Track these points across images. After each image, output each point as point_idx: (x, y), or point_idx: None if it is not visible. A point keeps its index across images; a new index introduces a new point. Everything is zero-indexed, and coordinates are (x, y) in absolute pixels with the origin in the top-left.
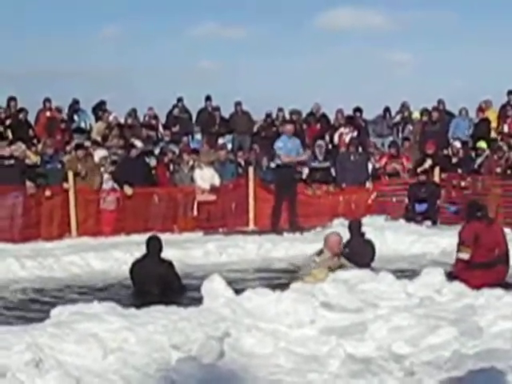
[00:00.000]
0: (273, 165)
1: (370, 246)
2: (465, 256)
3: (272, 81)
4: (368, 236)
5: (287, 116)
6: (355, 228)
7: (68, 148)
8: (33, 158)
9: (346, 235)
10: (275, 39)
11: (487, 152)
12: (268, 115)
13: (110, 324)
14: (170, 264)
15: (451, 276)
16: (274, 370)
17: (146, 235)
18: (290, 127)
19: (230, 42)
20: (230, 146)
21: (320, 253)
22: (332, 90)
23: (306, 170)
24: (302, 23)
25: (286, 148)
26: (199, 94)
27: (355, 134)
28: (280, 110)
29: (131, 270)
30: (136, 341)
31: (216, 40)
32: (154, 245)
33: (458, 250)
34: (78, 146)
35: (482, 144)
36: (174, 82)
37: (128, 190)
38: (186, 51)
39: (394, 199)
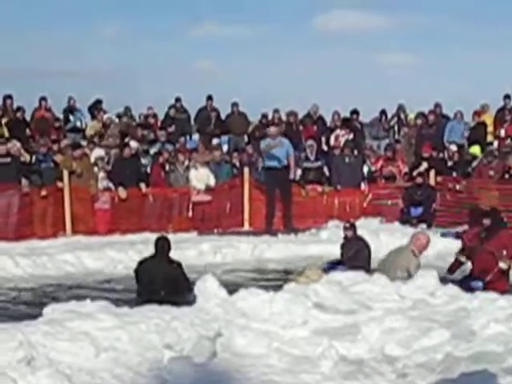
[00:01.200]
0: (261, 165)
1: (367, 248)
2: (504, 266)
3: (269, 82)
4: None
5: (283, 117)
6: (352, 230)
7: (57, 147)
8: (26, 157)
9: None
10: (273, 40)
11: (480, 157)
12: (264, 116)
13: (103, 322)
14: (178, 265)
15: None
16: (266, 371)
17: (141, 235)
18: (273, 129)
19: (228, 42)
20: (226, 147)
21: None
22: (329, 91)
23: (298, 171)
24: (301, 24)
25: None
26: (197, 94)
27: (351, 136)
28: (276, 111)
29: (137, 269)
30: (128, 340)
31: (214, 40)
32: (163, 245)
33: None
34: (75, 146)
35: (475, 149)
36: (172, 81)
37: (122, 193)
38: (184, 51)
39: (389, 202)
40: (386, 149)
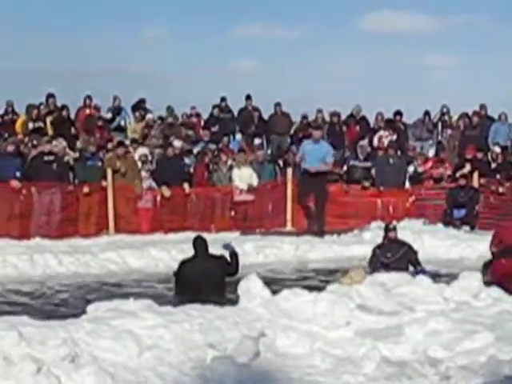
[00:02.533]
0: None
1: (412, 250)
2: None
3: (313, 82)
4: (406, 239)
5: (327, 118)
6: (394, 233)
7: (110, 146)
8: (71, 155)
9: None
10: (318, 40)
11: None
12: (304, 117)
13: (146, 321)
14: (221, 258)
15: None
16: (308, 371)
17: (183, 234)
18: (317, 133)
19: (273, 42)
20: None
21: None
22: (372, 92)
23: (344, 168)
24: (345, 25)
25: (312, 154)
26: (240, 94)
27: (394, 137)
28: (319, 111)
29: (178, 270)
30: (172, 338)
31: (258, 40)
32: (201, 244)
33: None
34: (119, 144)
35: None
36: (215, 81)
37: (166, 192)
38: (227, 51)
39: (433, 203)
40: (436, 150)
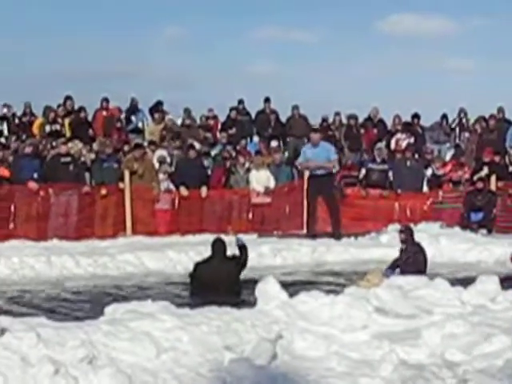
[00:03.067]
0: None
1: (423, 254)
2: None
3: (332, 85)
4: (423, 243)
5: (344, 120)
6: (408, 236)
7: (127, 148)
8: (88, 156)
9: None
10: (337, 43)
11: None
12: (324, 119)
13: (164, 323)
14: (234, 257)
15: None
16: (325, 374)
17: (201, 236)
18: (315, 136)
19: (291, 45)
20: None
21: None
22: (390, 95)
23: (362, 171)
24: (364, 28)
25: (314, 158)
26: (258, 97)
27: (412, 140)
28: (337, 114)
29: (194, 271)
30: (189, 340)
31: (276, 43)
32: (219, 246)
33: None
34: (137, 146)
35: None
36: (233, 83)
37: (184, 191)
38: (246, 53)
39: (451, 207)
40: (455, 153)
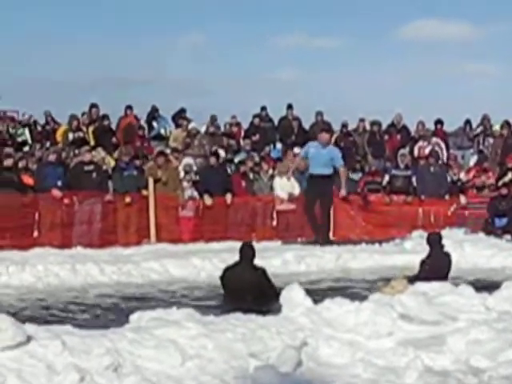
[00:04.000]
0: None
1: (448, 259)
2: None
3: (354, 91)
4: (447, 249)
5: (367, 126)
6: (435, 241)
7: (149, 155)
8: (111, 164)
9: (424, 248)
10: (359, 49)
11: None
12: (344, 125)
13: (189, 330)
14: (263, 271)
15: None
16: (351, 381)
17: (225, 243)
18: (325, 136)
19: (314, 51)
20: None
21: None
22: (413, 100)
23: (386, 178)
24: (386, 34)
25: (316, 158)
26: (281, 103)
27: (435, 147)
28: (361, 120)
29: (223, 276)
30: (214, 348)
31: (299, 50)
32: (247, 252)
33: None
34: (160, 153)
35: None
36: (256, 90)
37: (208, 200)
38: (268, 60)
39: (475, 212)
40: (479, 159)
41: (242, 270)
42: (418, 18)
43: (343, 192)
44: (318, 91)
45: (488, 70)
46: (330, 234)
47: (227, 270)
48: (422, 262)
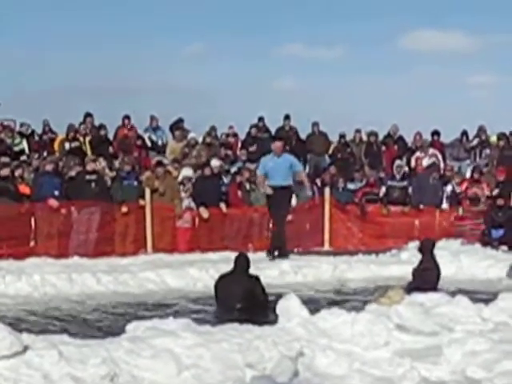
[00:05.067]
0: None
1: (436, 266)
2: None
3: (353, 101)
4: (444, 260)
5: (364, 137)
6: (427, 248)
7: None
8: (109, 174)
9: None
10: (358, 59)
11: None
12: (342, 136)
13: (185, 340)
14: (257, 278)
15: None
16: None
17: (221, 254)
18: (278, 145)
19: (311, 62)
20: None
21: None
22: (411, 111)
23: (383, 189)
24: (385, 44)
25: (276, 169)
26: (278, 114)
27: (432, 159)
28: (357, 131)
29: (216, 284)
30: (211, 358)
31: (296, 60)
32: (242, 262)
33: None
34: (158, 164)
35: None
36: (255, 100)
37: (204, 213)
38: (265, 70)
39: (471, 223)
40: (472, 170)
41: (236, 279)
42: (416, 28)
43: (309, 193)
44: (317, 101)
45: (486, 82)
46: (327, 245)
47: (222, 277)
48: (414, 271)
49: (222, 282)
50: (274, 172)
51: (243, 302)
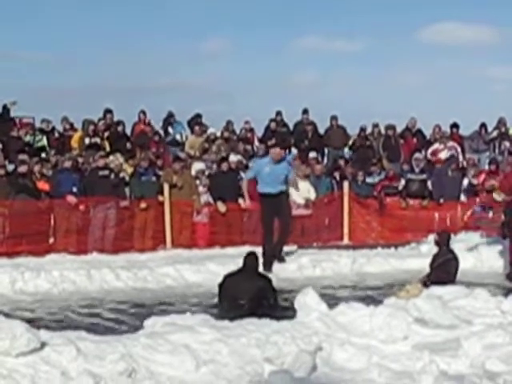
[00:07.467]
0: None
1: (455, 259)
2: None
3: (372, 94)
4: (463, 253)
5: (382, 131)
6: (443, 240)
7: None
8: (127, 170)
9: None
10: (378, 52)
11: None
12: (362, 129)
13: (203, 335)
14: (269, 280)
15: None
16: None
17: (241, 248)
18: (277, 151)
19: (334, 54)
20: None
21: None
22: (431, 103)
23: (402, 182)
24: (406, 37)
25: (272, 175)
26: (297, 107)
27: (451, 151)
28: (375, 125)
29: (222, 283)
30: (229, 353)
31: (316, 53)
32: (251, 260)
33: None
34: (176, 159)
35: None
36: (273, 95)
37: (221, 207)
38: (288, 64)
39: (490, 215)
40: (490, 162)
41: (247, 277)
42: (438, 20)
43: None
44: (337, 94)
45: (506, 74)
46: (346, 239)
47: (228, 276)
48: (432, 263)
49: (230, 280)
50: (271, 178)
51: (251, 301)
